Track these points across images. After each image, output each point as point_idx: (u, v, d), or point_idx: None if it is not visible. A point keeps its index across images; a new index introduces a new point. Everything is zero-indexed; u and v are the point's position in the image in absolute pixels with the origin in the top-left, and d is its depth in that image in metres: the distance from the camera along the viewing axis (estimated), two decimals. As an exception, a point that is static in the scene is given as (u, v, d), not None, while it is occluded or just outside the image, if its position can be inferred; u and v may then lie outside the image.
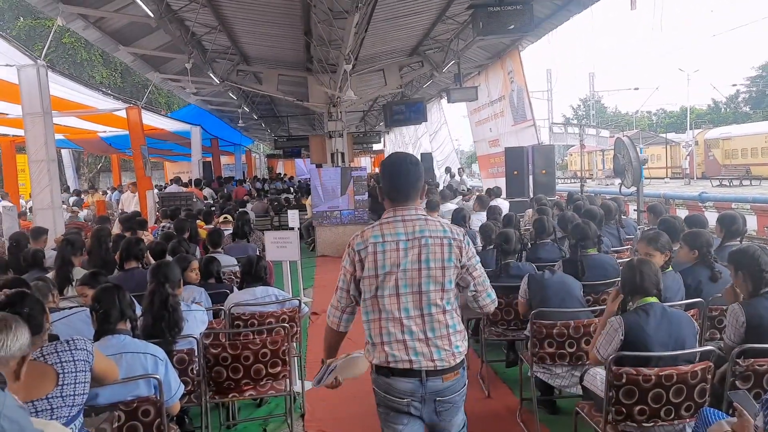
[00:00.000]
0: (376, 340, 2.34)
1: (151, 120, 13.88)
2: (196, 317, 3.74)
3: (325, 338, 2.63)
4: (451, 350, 2.27)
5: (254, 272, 4.44)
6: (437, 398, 2.27)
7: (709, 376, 2.77)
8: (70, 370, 2.38)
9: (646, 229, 6.15)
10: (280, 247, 5.43)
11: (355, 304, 2.43)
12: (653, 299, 2.90)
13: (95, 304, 2.85)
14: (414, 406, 2.28)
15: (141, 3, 7.43)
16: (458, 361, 2.29)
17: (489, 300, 2.46)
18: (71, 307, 3.53)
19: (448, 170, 14.94)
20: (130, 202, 13.37)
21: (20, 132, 12.87)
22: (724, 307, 3.72)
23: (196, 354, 3.52)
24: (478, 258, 2.43)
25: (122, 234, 6.65)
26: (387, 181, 2.36)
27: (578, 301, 3.88)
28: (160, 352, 2.95)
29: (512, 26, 6.42)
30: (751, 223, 10.50)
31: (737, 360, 2.82)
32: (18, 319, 1.79)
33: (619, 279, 3.09)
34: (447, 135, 20.93)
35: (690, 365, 2.76)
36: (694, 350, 2.84)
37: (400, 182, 2.34)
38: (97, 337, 2.85)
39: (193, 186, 14.84)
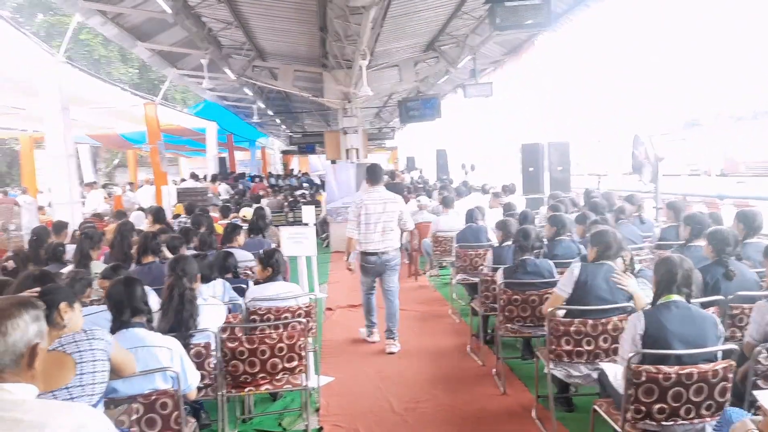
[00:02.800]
0: (362, 240, 5.53)
1: (168, 116, 13.98)
2: (213, 311, 3.76)
3: (348, 242, 5.70)
4: (393, 243, 5.55)
5: (273, 262, 4.45)
6: (386, 263, 5.57)
7: (731, 375, 2.73)
8: (88, 359, 2.40)
9: (665, 226, 6.09)
10: (296, 242, 5.44)
11: (357, 225, 5.52)
12: (677, 296, 2.86)
13: (108, 300, 2.88)
14: (376, 267, 5.58)
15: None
16: (395, 247, 5.58)
17: (409, 226, 5.80)
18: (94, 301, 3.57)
19: (464, 166, 14.87)
20: (146, 197, 13.51)
21: (38, 127, 13.09)
22: (745, 306, 3.68)
23: (213, 348, 3.53)
24: (406, 209, 5.80)
25: (140, 230, 6.72)
26: (370, 174, 5.65)
27: (604, 301, 3.79)
28: (176, 345, 2.97)
29: (530, 21, 6.36)
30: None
31: (759, 359, 2.77)
32: (25, 308, 1.76)
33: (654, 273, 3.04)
34: (464, 130, 20.83)
35: (711, 364, 2.72)
36: (716, 348, 2.80)
37: (376, 175, 5.64)
38: (113, 331, 2.87)
39: (209, 181, 14.93)
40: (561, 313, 3.73)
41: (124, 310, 2.87)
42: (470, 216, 6.97)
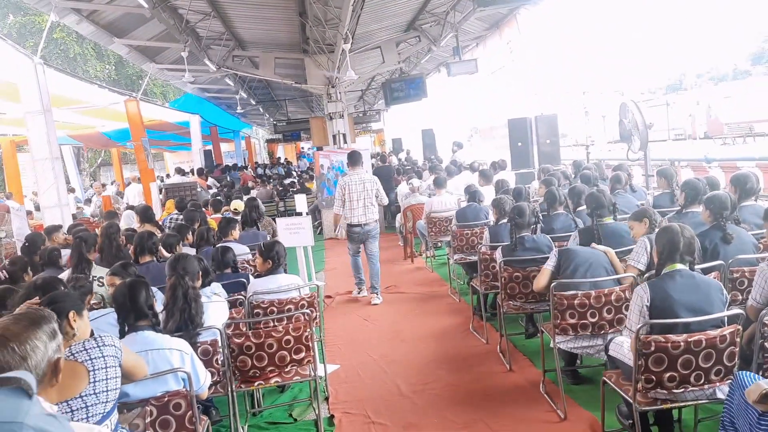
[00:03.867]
0: (347, 215, 6.70)
1: (150, 111, 13.79)
2: (217, 308, 3.74)
3: (334, 217, 6.93)
4: (373, 216, 6.77)
5: (273, 255, 4.43)
6: (368, 232, 6.77)
7: (738, 339, 2.77)
8: (100, 366, 2.38)
9: (657, 193, 6.13)
10: (293, 233, 5.41)
11: (343, 203, 6.68)
12: (681, 265, 2.89)
13: (115, 304, 2.85)
14: (360, 236, 6.77)
15: (134, -7, 7.32)
16: (375, 219, 6.80)
17: (384, 201, 6.94)
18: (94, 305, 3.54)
19: (456, 144, 14.82)
20: (134, 195, 13.38)
21: (20, 131, 12.87)
22: (745, 269, 3.72)
23: (219, 345, 3.52)
24: (380, 186, 6.88)
25: (131, 229, 6.65)
26: (351, 159, 6.90)
27: (605, 270, 3.84)
28: (185, 346, 2.96)
29: (513, -5, 6.30)
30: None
31: (765, 321, 2.80)
32: (39, 326, 1.74)
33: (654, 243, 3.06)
34: (450, 108, 20.73)
35: (718, 329, 2.75)
36: (722, 314, 2.83)
37: (356, 160, 6.87)
38: (122, 335, 2.86)
39: (195, 175, 14.80)
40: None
41: (133, 314, 2.84)
42: (473, 195, 6.98)
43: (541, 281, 4.02)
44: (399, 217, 10.09)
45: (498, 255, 4.68)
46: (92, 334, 2.66)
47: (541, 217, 4.99)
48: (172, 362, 2.83)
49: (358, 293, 7.16)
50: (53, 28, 20.42)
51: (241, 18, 10.24)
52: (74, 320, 2.49)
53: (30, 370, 1.61)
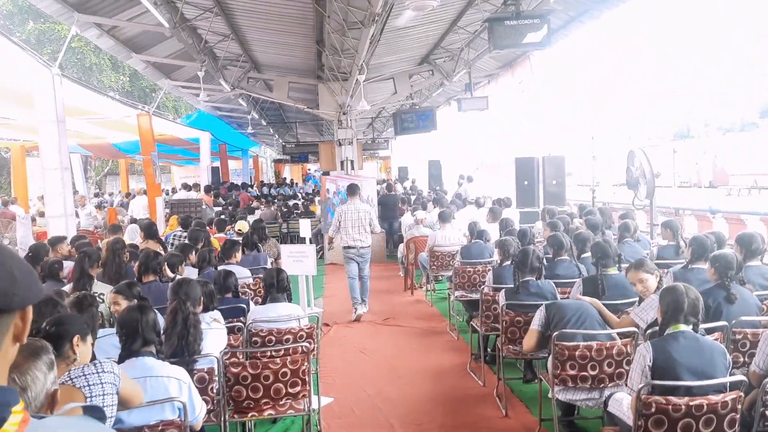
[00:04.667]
0: (344, 238, 7.60)
1: (161, 126, 13.91)
2: (215, 335, 3.72)
3: (327, 239, 9.29)
4: (366, 240, 7.63)
5: (278, 284, 4.43)
6: (361, 255, 7.63)
7: (740, 406, 2.74)
8: (98, 393, 2.37)
9: (662, 245, 6.12)
10: (296, 261, 5.41)
11: (338, 228, 7.58)
12: (685, 326, 2.88)
13: (120, 328, 2.84)
14: (354, 258, 7.60)
15: (156, 13, 7.43)
16: (367, 244, 7.66)
17: (376, 229, 7.94)
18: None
19: (462, 177, 14.90)
20: (139, 208, 13.42)
21: (30, 137, 12.97)
22: (748, 331, 3.70)
23: (216, 373, 3.50)
24: (374, 214, 8.77)
25: (134, 245, 6.65)
26: (350, 191, 7.84)
27: (598, 323, 3.84)
28: (184, 375, 2.94)
29: (528, 41, 6.40)
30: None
31: (767, 389, 2.79)
32: (38, 357, 1.74)
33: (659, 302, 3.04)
34: (457, 141, 20.87)
35: (720, 395, 2.73)
36: (725, 380, 2.81)
37: (354, 190, 7.77)
38: (121, 359, 2.84)
39: (202, 192, 14.85)
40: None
41: (137, 340, 2.82)
42: (480, 234, 6.99)
43: (530, 342, 4.01)
44: (401, 247, 10.08)
45: (501, 298, 4.66)
46: (93, 358, 2.65)
47: (545, 263, 4.99)
48: (170, 390, 2.81)
49: (355, 313, 7.68)
50: (71, 38, 20.71)
51: (260, 42, 10.40)
52: (77, 345, 2.48)
53: (29, 402, 1.60)
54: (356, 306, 7.70)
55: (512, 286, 4.70)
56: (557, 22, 9.80)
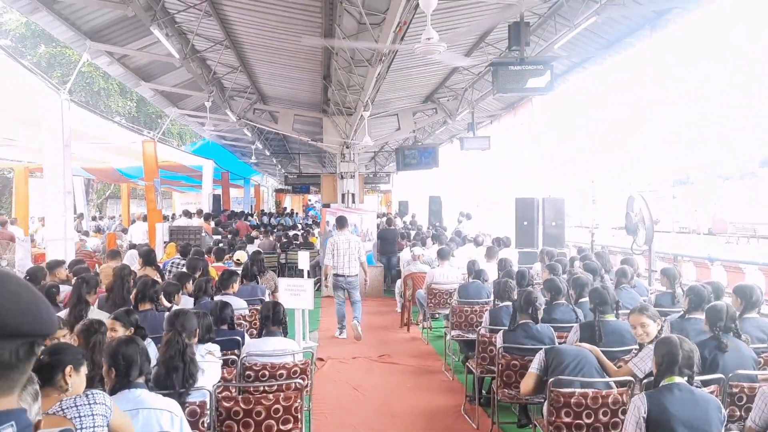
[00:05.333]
0: (335, 266, 8.20)
1: (166, 153, 14.01)
2: (210, 368, 3.70)
3: (325, 269, 8.38)
4: (355, 269, 8.23)
5: (274, 317, 4.41)
6: (350, 283, 8.24)
7: (735, 463, 2.71)
8: (88, 425, 2.35)
9: (659, 292, 6.12)
10: (293, 294, 5.40)
11: (331, 257, 8.15)
12: (680, 378, 2.87)
13: (114, 359, 2.81)
14: (343, 285, 8.25)
15: (167, 44, 7.59)
16: (356, 273, 8.23)
17: (363, 259, 8.32)
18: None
19: (462, 214, 14.95)
20: (139, 233, 13.42)
21: (33, 158, 13.06)
22: (745, 385, 3.68)
23: (208, 407, 3.46)
24: (363, 247, 8.49)
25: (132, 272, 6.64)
26: (339, 223, 8.46)
27: (596, 371, 3.82)
28: (176, 408, 2.91)
29: (532, 86, 6.52)
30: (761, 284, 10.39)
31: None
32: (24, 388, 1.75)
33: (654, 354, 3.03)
34: (458, 178, 21.00)
35: (716, 451, 2.70)
36: (720, 436, 2.79)
37: (343, 224, 8.43)
38: (114, 390, 2.82)
39: (202, 219, 14.87)
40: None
41: (133, 371, 2.81)
42: (478, 274, 6.99)
43: (527, 385, 3.98)
44: (399, 283, 10.06)
45: (498, 339, 4.65)
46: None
47: (543, 306, 4.97)
48: (162, 423, 2.79)
49: (338, 335, 8.41)
50: (82, 64, 21.02)
51: (267, 75, 10.58)
52: (70, 375, 2.47)
53: None
54: (342, 331, 8.41)
55: (508, 327, 4.69)
56: (560, 68, 10.00)
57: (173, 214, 20.07)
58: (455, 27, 7.91)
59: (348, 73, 8.71)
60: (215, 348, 4.02)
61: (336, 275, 8.23)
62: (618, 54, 9.02)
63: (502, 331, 4.71)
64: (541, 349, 4.06)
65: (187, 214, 15.48)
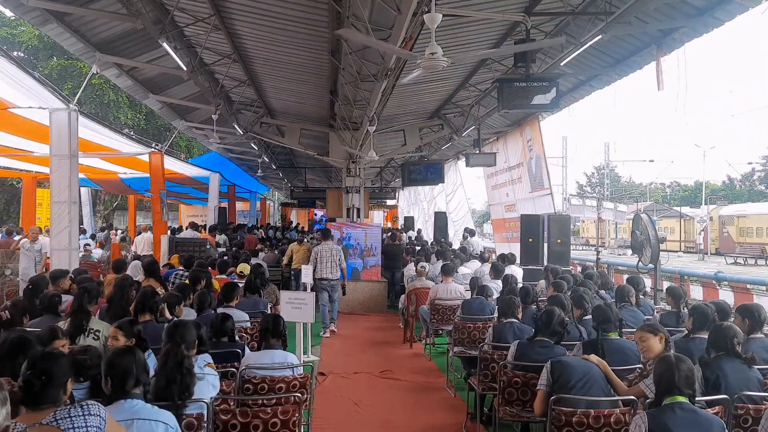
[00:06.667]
0: (319, 271, 9.38)
1: (172, 165, 14.08)
2: (208, 381, 3.67)
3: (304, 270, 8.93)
4: (336, 274, 9.57)
5: (274, 330, 4.39)
6: (332, 286, 9.58)
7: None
8: None
9: (664, 312, 6.06)
10: (295, 308, 5.38)
11: (315, 264, 9.29)
12: (682, 398, 2.82)
13: (110, 369, 2.80)
14: (326, 288, 9.51)
15: (175, 57, 7.66)
16: (337, 277, 9.59)
17: (343, 265, 9.68)
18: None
19: (468, 230, 14.92)
20: (143, 244, 13.44)
21: (42, 168, 13.15)
22: (750, 406, 3.62)
23: (205, 420, 3.43)
24: (342, 255, 9.73)
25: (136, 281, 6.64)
26: (323, 234, 10.00)
27: (603, 391, 3.76)
28: (171, 420, 2.88)
29: (537, 102, 6.52)
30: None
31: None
32: None
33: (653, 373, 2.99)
34: (463, 195, 21.01)
35: (719, 473, 2.65)
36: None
37: (327, 235, 9.88)
38: (109, 401, 2.79)
39: (207, 232, 14.88)
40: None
41: (129, 381, 2.79)
42: (482, 290, 6.95)
43: (540, 404, 3.88)
44: (403, 298, 10.01)
45: (512, 348, 4.58)
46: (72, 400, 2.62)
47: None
48: (156, 435, 2.76)
49: (323, 333, 9.35)
50: (91, 74, 21.25)
51: (275, 89, 10.66)
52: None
53: None
54: (324, 328, 9.51)
55: (525, 340, 4.61)
56: (566, 85, 10.01)
57: (179, 226, 20.13)
58: (462, 44, 7.95)
59: (354, 87, 8.76)
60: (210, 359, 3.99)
61: (320, 279, 9.37)
62: (625, 75, 9.03)
63: (519, 341, 4.64)
64: (547, 364, 3.98)
65: (194, 226, 15.50)
